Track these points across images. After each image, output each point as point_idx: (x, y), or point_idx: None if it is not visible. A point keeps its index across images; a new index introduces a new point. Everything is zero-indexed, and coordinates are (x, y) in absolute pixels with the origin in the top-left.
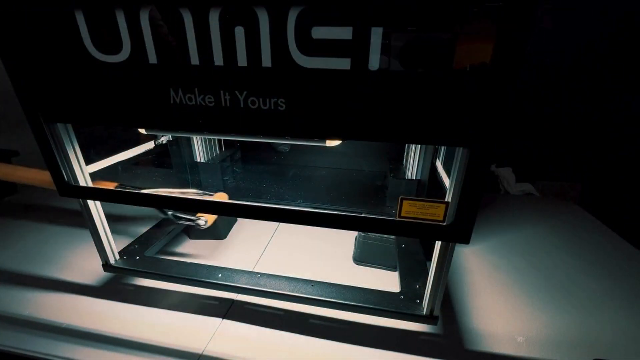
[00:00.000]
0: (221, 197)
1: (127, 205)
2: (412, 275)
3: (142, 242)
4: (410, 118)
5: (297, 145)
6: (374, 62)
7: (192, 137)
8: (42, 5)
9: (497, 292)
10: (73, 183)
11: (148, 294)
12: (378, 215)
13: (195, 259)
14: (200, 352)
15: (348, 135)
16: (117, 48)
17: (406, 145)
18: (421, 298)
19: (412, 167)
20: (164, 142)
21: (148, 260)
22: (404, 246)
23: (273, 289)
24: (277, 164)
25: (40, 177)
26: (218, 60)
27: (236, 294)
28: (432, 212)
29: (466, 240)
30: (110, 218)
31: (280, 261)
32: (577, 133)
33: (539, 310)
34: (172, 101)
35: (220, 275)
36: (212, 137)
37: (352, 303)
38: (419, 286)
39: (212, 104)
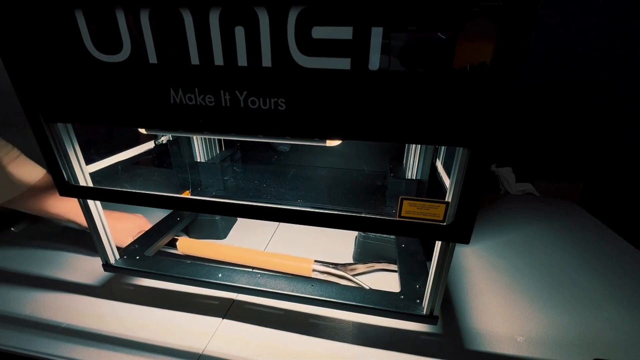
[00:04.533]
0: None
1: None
2: (412, 275)
3: (142, 242)
4: (411, 118)
5: (297, 145)
6: (374, 62)
7: (192, 137)
8: (42, 5)
9: (497, 292)
10: (73, 183)
11: (148, 293)
12: (378, 215)
13: (195, 258)
14: (200, 352)
15: (348, 135)
16: (117, 48)
17: (406, 145)
18: (421, 298)
19: (412, 167)
20: (164, 142)
21: (148, 260)
22: (404, 246)
23: (273, 289)
24: (277, 164)
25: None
26: (218, 60)
27: (236, 294)
28: (432, 212)
29: (466, 241)
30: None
31: None
32: (577, 133)
33: (539, 310)
34: (172, 101)
35: (220, 275)
36: (212, 137)
37: (352, 303)
38: (419, 286)
39: (212, 104)
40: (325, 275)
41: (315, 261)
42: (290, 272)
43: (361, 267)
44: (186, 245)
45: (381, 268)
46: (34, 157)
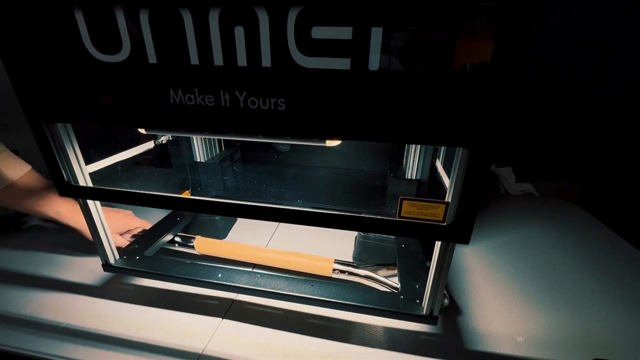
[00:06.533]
0: None
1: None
2: (412, 275)
3: (142, 242)
4: (410, 118)
5: (297, 145)
6: (374, 62)
7: (192, 137)
8: (41, 4)
9: (497, 292)
10: (73, 183)
11: (148, 293)
12: (378, 215)
13: (195, 258)
14: (200, 352)
15: (348, 135)
16: (116, 48)
17: (406, 145)
18: (421, 298)
19: (412, 167)
20: (163, 142)
21: (148, 260)
22: (404, 246)
23: (273, 289)
24: (277, 164)
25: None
26: (218, 60)
27: (236, 294)
28: (432, 212)
29: (466, 241)
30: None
31: None
32: (577, 133)
33: (539, 310)
34: (172, 101)
35: (220, 275)
36: (211, 137)
37: (352, 303)
38: (419, 286)
39: (212, 104)
40: (346, 274)
41: (336, 261)
42: (311, 272)
43: (382, 270)
44: (203, 245)
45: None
46: (34, 156)
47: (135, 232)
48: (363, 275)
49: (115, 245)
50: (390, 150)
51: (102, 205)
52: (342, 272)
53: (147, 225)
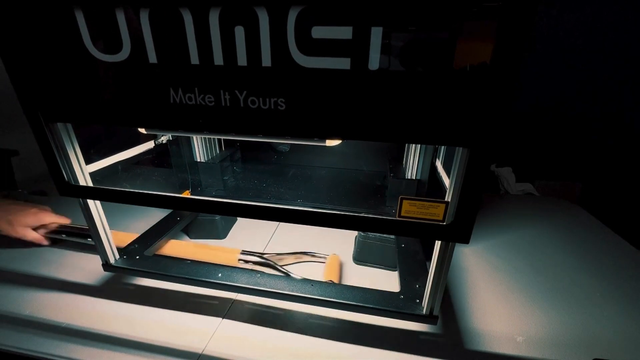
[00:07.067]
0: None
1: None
2: (412, 275)
3: (142, 241)
4: (410, 118)
5: (297, 145)
6: (374, 62)
7: (192, 137)
8: (42, 4)
9: (497, 292)
10: (73, 183)
11: (148, 293)
12: (378, 215)
13: (195, 258)
14: (200, 352)
15: (348, 135)
16: (117, 47)
17: (406, 145)
18: (421, 298)
19: (412, 166)
20: (163, 141)
21: (148, 260)
22: (403, 246)
23: (273, 288)
24: (277, 164)
25: None
26: (218, 60)
27: (236, 294)
28: (431, 211)
29: (466, 240)
30: (110, 217)
31: None
32: (577, 132)
33: (539, 310)
34: (172, 101)
35: (220, 274)
36: (212, 137)
37: (352, 303)
38: (419, 286)
39: (212, 104)
40: (251, 264)
41: (242, 251)
42: (218, 262)
43: (290, 258)
44: (120, 238)
45: (309, 260)
46: (34, 156)
47: (52, 227)
48: (265, 265)
49: (28, 239)
50: (390, 150)
51: (15, 199)
52: (247, 262)
53: (64, 221)
